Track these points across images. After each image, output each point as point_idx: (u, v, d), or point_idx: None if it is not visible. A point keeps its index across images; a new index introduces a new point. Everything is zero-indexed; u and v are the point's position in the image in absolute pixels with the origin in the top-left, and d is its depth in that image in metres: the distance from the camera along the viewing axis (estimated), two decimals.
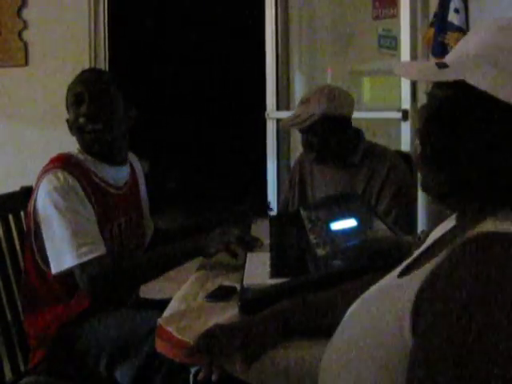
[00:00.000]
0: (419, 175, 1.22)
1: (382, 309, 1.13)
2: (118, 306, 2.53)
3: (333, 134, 3.00)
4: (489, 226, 1.07)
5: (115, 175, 2.57)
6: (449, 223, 1.28)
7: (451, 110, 1.13)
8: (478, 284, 0.95)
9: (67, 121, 2.51)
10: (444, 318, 0.95)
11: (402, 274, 1.23)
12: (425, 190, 1.22)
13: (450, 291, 0.97)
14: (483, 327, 0.91)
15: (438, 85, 1.17)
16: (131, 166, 2.74)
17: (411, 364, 0.99)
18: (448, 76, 1.13)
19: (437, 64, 1.17)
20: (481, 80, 1.08)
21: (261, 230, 2.61)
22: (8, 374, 2.53)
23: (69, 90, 2.51)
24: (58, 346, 2.42)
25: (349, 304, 1.34)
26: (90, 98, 2.44)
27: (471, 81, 1.09)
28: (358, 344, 1.15)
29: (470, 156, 1.11)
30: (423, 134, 1.18)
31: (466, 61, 1.13)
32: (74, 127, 2.48)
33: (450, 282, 0.99)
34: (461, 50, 1.17)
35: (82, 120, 2.44)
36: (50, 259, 2.31)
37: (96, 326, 2.39)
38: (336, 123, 3.01)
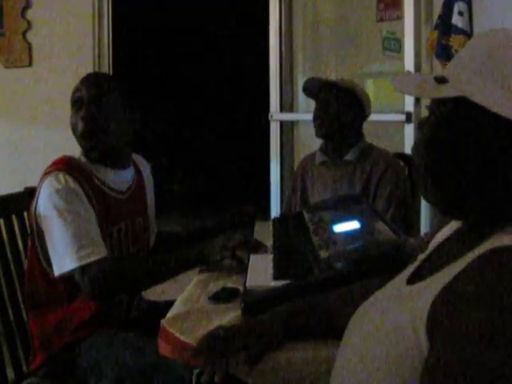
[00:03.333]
0: (420, 189, 1.23)
1: (394, 318, 1.12)
2: (126, 315, 2.54)
3: (347, 111, 3.11)
4: (503, 240, 1.07)
5: (117, 179, 2.56)
6: (453, 225, 1.29)
7: (452, 125, 1.13)
8: (498, 302, 0.95)
9: (70, 124, 2.51)
10: (460, 337, 0.95)
11: (410, 281, 1.22)
12: (428, 201, 1.23)
13: (467, 308, 0.97)
14: (503, 348, 0.90)
15: (438, 99, 1.17)
16: (138, 169, 2.74)
17: (428, 376, 0.98)
18: (448, 92, 1.14)
19: (435, 79, 1.17)
20: (481, 97, 1.09)
21: (264, 231, 2.61)
22: (10, 375, 2.54)
23: (72, 93, 2.50)
24: (60, 355, 2.42)
25: (352, 306, 1.34)
26: (89, 103, 2.43)
27: (473, 98, 1.09)
28: (369, 354, 1.15)
29: (472, 171, 1.12)
30: (426, 150, 1.18)
31: (467, 76, 1.13)
32: (74, 131, 2.47)
33: (468, 293, 0.99)
34: (460, 63, 1.17)
35: (80, 124, 2.44)
36: (52, 261, 2.31)
37: (98, 346, 2.36)
38: (355, 106, 3.13)
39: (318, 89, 3.18)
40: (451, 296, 1.02)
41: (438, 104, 1.17)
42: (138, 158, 2.79)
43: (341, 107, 3.07)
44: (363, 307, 1.32)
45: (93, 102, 2.44)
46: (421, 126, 1.21)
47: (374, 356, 1.13)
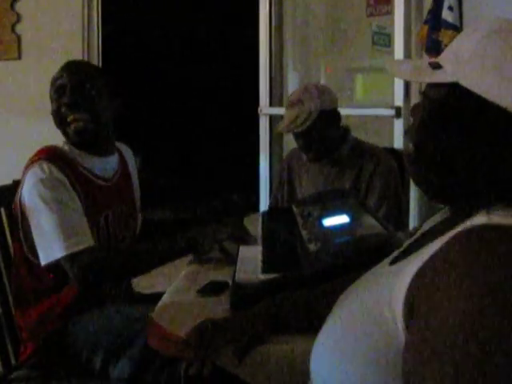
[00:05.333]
0: (410, 171, 1.23)
1: (373, 295, 1.14)
2: (111, 301, 2.54)
3: (330, 130, 3.03)
4: (482, 219, 1.08)
5: (102, 166, 2.56)
6: (440, 216, 1.30)
7: (445, 110, 1.15)
8: (472, 271, 0.96)
9: (51, 113, 2.50)
10: (438, 307, 0.96)
11: (392, 263, 1.24)
12: (417, 185, 1.23)
13: (443, 279, 0.99)
14: (477, 313, 0.92)
15: (432, 85, 1.18)
16: (121, 156, 2.73)
17: (406, 355, 0.99)
18: (442, 77, 1.15)
19: (430, 64, 1.18)
20: (474, 83, 1.10)
21: (252, 224, 2.61)
22: None
23: (52, 81, 2.49)
24: (49, 341, 2.42)
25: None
26: (71, 88, 2.43)
27: (465, 83, 1.10)
28: (349, 331, 1.16)
29: (463, 156, 1.12)
30: (417, 134, 1.19)
31: (460, 63, 1.14)
32: (57, 118, 2.46)
33: (443, 271, 1.01)
34: (454, 50, 1.18)
35: (63, 109, 2.43)
36: (38, 251, 2.29)
37: (88, 321, 2.39)
38: (331, 118, 3.04)
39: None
40: (427, 268, 1.04)
41: (431, 89, 1.18)
42: (121, 146, 2.79)
43: (319, 134, 3.01)
44: (345, 294, 1.33)
45: (76, 88, 2.43)
46: (412, 113, 1.22)
47: (350, 334, 1.14)
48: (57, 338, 2.41)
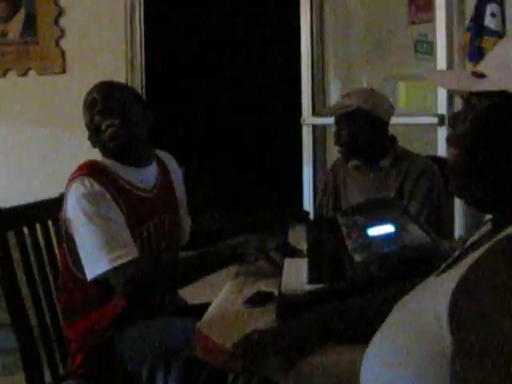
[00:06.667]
0: (452, 182, 1.22)
1: (421, 306, 1.13)
2: (157, 312, 2.55)
3: (363, 131, 3.05)
4: None
5: (142, 177, 2.57)
6: (485, 228, 1.29)
7: (491, 119, 1.13)
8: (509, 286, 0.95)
9: (88, 138, 2.54)
10: (482, 314, 0.96)
11: (439, 274, 1.23)
12: (460, 196, 1.23)
13: (487, 286, 0.98)
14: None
15: (476, 94, 1.17)
16: (163, 166, 2.74)
17: (453, 364, 0.99)
18: (488, 86, 1.13)
19: (473, 73, 1.17)
20: None
21: (298, 235, 2.61)
22: (48, 378, 2.57)
23: (84, 100, 2.54)
24: (96, 352, 2.45)
25: (386, 310, 1.34)
26: (101, 99, 2.47)
27: None
28: (397, 344, 1.15)
29: (508, 165, 1.11)
30: (461, 143, 1.18)
31: (506, 71, 1.13)
32: (92, 129, 2.50)
33: (486, 277, 0.99)
34: (498, 57, 1.17)
35: (96, 119, 2.47)
36: (84, 266, 2.32)
37: (135, 333, 2.41)
38: (369, 121, 3.05)
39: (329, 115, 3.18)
40: (469, 275, 1.04)
41: (475, 98, 1.17)
42: (163, 155, 2.80)
43: (356, 132, 3.03)
44: (395, 306, 1.32)
45: (106, 98, 2.48)
46: (453, 121, 1.21)
47: (399, 348, 1.14)
48: (104, 350, 2.43)
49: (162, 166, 2.73)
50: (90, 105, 2.49)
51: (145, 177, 2.59)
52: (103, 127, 2.46)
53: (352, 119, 3.04)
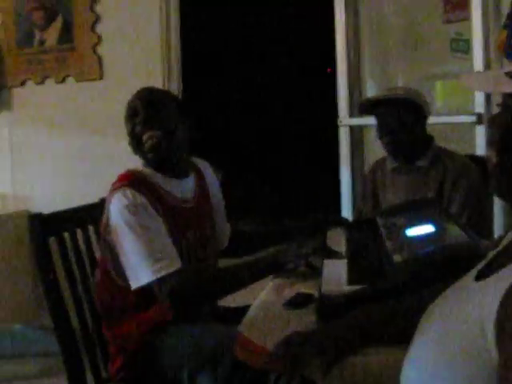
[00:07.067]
0: (493, 182, 1.22)
1: (462, 313, 1.12)
2: (197, 317, 2.57)
3: (408, 121, 3.07)
4: None
5: (181, 188, 2.59)
6: None
7: None
8: None
9: (128, 135, 2.56)
10: None
11: (479, 277, 1.22)
12: (500, 195, 1.22)
13: None
14: None
15: (511, 95, 1.17)
16: (200, 174, 2.76)
17: (500, 375, 0.98)
18: None
19: (506, 74, 1.16)
20: None
21: (336, 238, 2.61)
22: (90, 382, 2.60)
23: (126, 108, 2.55)
24: (136, 356, 2.47)
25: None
26: (143, 108, 2.48)
27: None
28: (438, 348, 1.15)
29: None
30: (500, 144, 1.18)
31: None
32: (133, 138, 2.52)
33: None
34: None
35: (138, 128, 2.48)
36: (128, 276, 2.34)
37: (176, 338, 2.43)
38: (414, 112, 3.09)
39: (372, 106, 3.18)
40: None
41: (511, 99, 1.17)
42: (200, 162, 2.82)
43: (401, 119, 3.05)
44: (432, 306, 1.32)
45: (148, 107, 2.49)
46: (491, 123, 1.21)
47: (439, 352, 1.13)
48: (144, 354, 2.45)
49: (198, 175, 2.74)
50: (131, 113, 2.51)
51: (184, 188, 2.60)
52: (144, 138, 2.47)
53: (399, 108, 3.06)
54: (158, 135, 2.46)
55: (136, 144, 2.51)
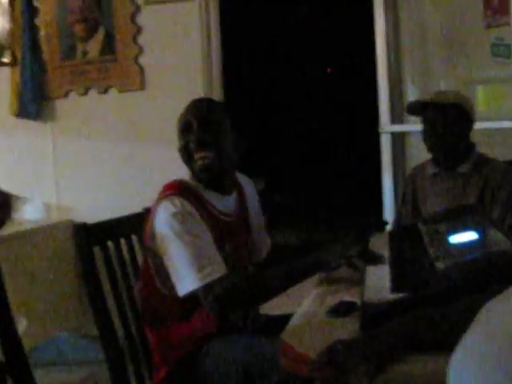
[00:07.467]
0: None
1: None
2: (241, 327, 2.59)
3: (455, 124, 3.09)
4: None
5: (223, 203, 2.60)
6: None
7: None
8: None
9: (179, 149, 2.56)
10: None
11: None
12: None
13: None
14: None
15: None
16: (241, 192, 2.78)
17: None
18: None
19: None
20: None
21: (379, 244, 2.61)
22: None
23: (179, 119, 2.56)
24: (180, 366, 2.48)
25: (471, 318, 1.33)
26: (198, 125, 2.49)
27: None
28: (485, 356, 1.14)
29: None
30: None
31: None
32: (185, 154, 2.53)
33: None
34: None
35: (191, 146, 2.49)
36: (174, 283, 2.34)
37: (221, 350, 2.43)
38: (461, 117, 3.11)
39: (421, 107, 3.18)
40: None
41: None
42: (241, 177, 2.83)
43: (449, 124, 3.06)
44: (480, 312, 1.31)
45: (202, 125, 2.49)
46: None
47: (487, 360, 1.12)
48: (188, 364, 2.46)
49: (240, 193, 2.76)
50: (185, 128, 2.52)
51: (226, 203, 2.62)
52: (196, 157, 2.49)
53: (447, 111, 3.08)
54: (211, 156, 2.47)
55: (187, 158, 2.53)
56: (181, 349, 2.48)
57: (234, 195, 2.69)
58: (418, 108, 3.22)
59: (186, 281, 2.31)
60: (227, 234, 2.57)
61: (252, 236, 2.83)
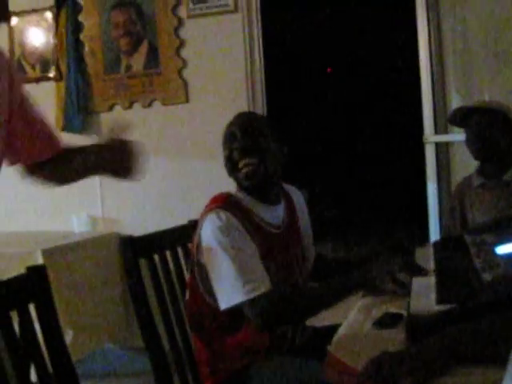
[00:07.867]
0: None
1: None
2: (290, 340, 2.59)
3: (499, 132, 3.10)
4: None
5: (272, 214, 2.61)
6: None
7: None
8: None
9: (224, 160, 2.59)
10: None
11: None
12: None
13: None
14: None
15: None
16: (289, 201, 2.78)
17: None
18: None
19: None
20: None
21: (423, 256, 2.59)
22: None
23: (224, 132, 2.60)
24: (229, 380, 2.49)
25: None
26: (241, 134, 2.53)
27: None
28: None
29: None
30: None
31: None
32: (229, 164, 2.56)
33: None
34: None
35: (235, 154, 2.52)
36: (217, 295, 2.36)
37: (270, 368, 2.43)
38: (505, 125, 3.11)
39: (463, 116, 3.17)
40: None
41: None
42: (289, 188, 2.84)
43: (494, 131, 3.05)
44: None
45: (246, 134, 2.53)
46: None
47: None
48: (238, 380, 2.47)
49: (289, 202, 2.77)
50: (229, 138, 2.56)
51: (275, 214, 2.63)
52: (240, 165, 2.52)
53: (491, 118, 3.09)
54: (254, 163, 2.50)
55: (232, 168, 2.56)
56: (231, 362, 2.49)
57: (283, 205, 2.70)
58: (460, 116, 3.20)
59: (230, 295, 2.32)
60: (278, 246, 2.58)
61: (303, 246, 2.82)
